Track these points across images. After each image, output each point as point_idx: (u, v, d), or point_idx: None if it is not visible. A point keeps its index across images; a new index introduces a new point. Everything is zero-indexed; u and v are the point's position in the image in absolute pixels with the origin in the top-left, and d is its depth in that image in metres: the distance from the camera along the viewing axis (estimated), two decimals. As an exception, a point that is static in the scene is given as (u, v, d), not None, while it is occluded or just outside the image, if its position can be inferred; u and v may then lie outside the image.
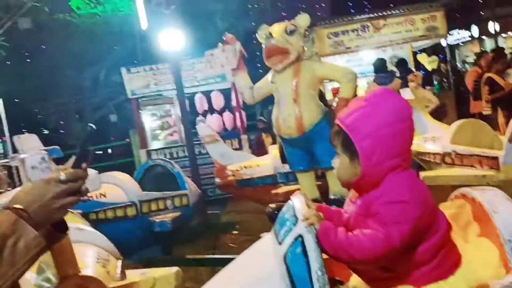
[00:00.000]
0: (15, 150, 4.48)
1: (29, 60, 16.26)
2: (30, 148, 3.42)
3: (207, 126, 6.13)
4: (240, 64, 3.88)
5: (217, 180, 5.34)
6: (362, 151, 1.51)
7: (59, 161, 3.62)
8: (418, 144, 4.84)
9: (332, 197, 3.66)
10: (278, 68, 3.52)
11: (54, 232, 1.23)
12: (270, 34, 3.48)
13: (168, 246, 4.22)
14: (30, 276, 1.91)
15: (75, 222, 2.64)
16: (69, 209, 1.22)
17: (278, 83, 3.56)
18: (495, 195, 1.62)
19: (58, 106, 17.29)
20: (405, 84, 6.30)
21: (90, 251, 2.22)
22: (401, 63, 8.03)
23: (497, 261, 1.50)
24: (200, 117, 7.98)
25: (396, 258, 1.46)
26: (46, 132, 20.61)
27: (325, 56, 10.11)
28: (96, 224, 3.64)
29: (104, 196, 3.97)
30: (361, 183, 1.54)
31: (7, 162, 5.90)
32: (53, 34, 15.15)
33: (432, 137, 4.82)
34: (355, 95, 3.53)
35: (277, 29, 3.51)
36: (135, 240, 3.95)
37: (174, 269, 2.36)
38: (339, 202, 3.20)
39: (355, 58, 10.32)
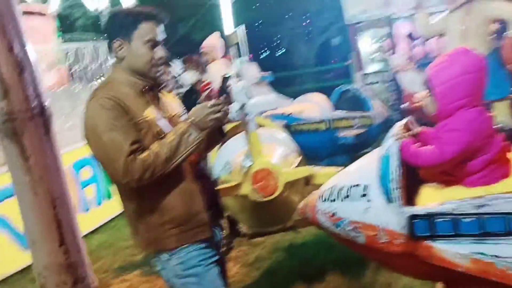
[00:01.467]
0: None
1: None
2: (249, 74, 4.72)
3: (400, 56, 6.63)
4: (419, 3, 4.36)
5: (404, 105, 5.94)
6: (436, 94, 2.20)
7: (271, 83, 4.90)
8: None
9: (497, 126, 4.05)
10: (451, 8, 3.94)
11: (217, 134, 2.21)
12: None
13: (351, 156, 5.16)
14: (243, 159, 3.13)
15: (274, 129, 3.82)
16: (219, 122, 2.06)
17: (450, 21, 3.99)
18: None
19: (290, 29, 18.90)
20: None
21: (279, 148, 3.37)
22: None
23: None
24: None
25: (453, 167, 2.17)
26: (281, 52, 22.95)
27: None
28: (295, 134, 4.84)
29: (303, 112, 5.12)
30: (437, 116, 2.24)
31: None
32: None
33: None
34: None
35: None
36: (325, 149, 5.04)
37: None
38: (503, 130, 3.64)
39: None
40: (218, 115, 2.03)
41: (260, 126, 3.82)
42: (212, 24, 15.70)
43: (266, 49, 27.01)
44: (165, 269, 2.15)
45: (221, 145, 3.73)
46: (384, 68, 9.01)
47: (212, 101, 2.05)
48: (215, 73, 5.36)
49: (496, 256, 1.96)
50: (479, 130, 2.13)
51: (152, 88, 2.13)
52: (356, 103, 5.39)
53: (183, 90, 4.48)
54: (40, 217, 1.11)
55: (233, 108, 2.79)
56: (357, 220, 2.30)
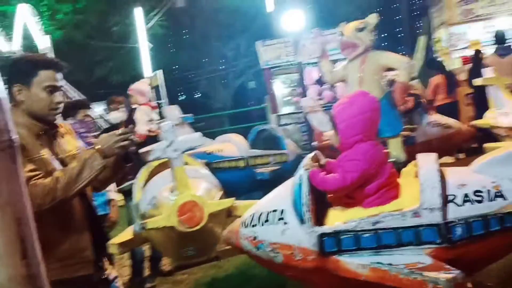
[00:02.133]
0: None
1: (184, 35, 18.53)
2: (172, 115, 4.99)
3: (309, 99, 7.24)
4: (324, 53, 4.93)
5: (314, 143, 6.49)
6: (339, 130, 2.61)
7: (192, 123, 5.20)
8: (493, 117, 5.41)
9: (392, 159, 4.62)
10: (349, 58, 4.53)
11: (120, 161, 2.33)
12: (341, 32, 4.49)
13: (267, 191, 5.51)
14: (169, 194, 3.34)
15: (197, 166, 4.07)
16: (124, 149, 2.20)
17: (349, 69, 4.57)
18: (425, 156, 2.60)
19: (207, 73, 19.46)
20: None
21: (201, 183, 3.61)
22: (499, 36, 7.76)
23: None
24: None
25: (353, 191, 2.57)
26: (198, 95, 23.36)
27: (454, 25, 10.22)
28: (216, 171, 5.12)
29: (222, 151, 5.45)
30: (340, 148, 2.64)
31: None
32: (203, 9, 17.16)
33: (505, 112, 5.34)
34: (410, 79, 4.40)
35: (348, 27, 4.49)
36: (244, 184, 5.36)
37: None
38: (396, 163, 4.16)
39: (488, 25, 10.11)
40: (125, 143, 2.21)
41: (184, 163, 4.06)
42: (130, 67, 15.85)
43: (182, 93, 27.39)
44: None
45: (147, 181, 3.91)
46: (296, 110, 9.64)
47: (120, 130, 2.24)
48: (139, 118, 5.58)
49: (390, 264, 2.33)
50: (374, 159, 2.55)
51: (47, 131, 2.27)
52: (271, 141, 5.82)
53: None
54: (6, 234, 1.27)
55: (161, 145, 3.02)
56: (275, 242, 2.60)
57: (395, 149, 4.51)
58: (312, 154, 2.84)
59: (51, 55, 11.16)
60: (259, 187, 5.42)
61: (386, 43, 24.80)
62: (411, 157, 5.37)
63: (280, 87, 11.35)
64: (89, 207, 2.37)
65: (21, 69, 2.20)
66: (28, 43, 12.68)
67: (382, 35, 24.20)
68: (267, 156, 5.50)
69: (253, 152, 5.56)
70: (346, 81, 4.62)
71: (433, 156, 2.61)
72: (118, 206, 4.38)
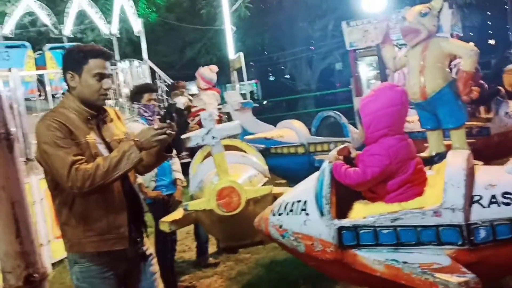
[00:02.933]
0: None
1: (271, 16, 18.56)
2: (233, 100, 5.13)
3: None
4: (386, 38, 4.74)
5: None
6: (363, 124, 2.57)
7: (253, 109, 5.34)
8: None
9: (452, 152, 4.38)
10: (411, 44, 4.32)
11: (161, 153, 2.52)
12: (404, 17, 4.28)
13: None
14: (213, 178, 3.50)
15: (249, 152, 4.18)
16: (161, 143, 2.37)
17: (410, 56, 4.36)
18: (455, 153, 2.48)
19: (292, 55, 19.43)
20: None
21: (246, 169, 3.73)
22: None
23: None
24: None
25: (376, 186, 2.53)
26: (286, 76, 23.47)
27: None
28: (275, 156, 5.21)
29: (282, 137, 5.50)
30: (365, 142, 2.61)
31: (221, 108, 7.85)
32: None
33: None
34: (476, 69, 4.12)
35: (411, 12, 4.28)
36: (303, 171, 5.37)
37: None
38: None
39: None
40: (162, 137, 2.35)
41: (238, 149, 4.20)
42: (217, 48, 16.32)
43: (270, 74, 27.60)
44: (70, 270, 2.50)
45: (201, 163, 4.12)
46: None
47: (158, 125, 2.40)
48: (208, 101, 5.84)
49: (404, 262, 2.29)
50: (397, 155, 2.49)
51: (96, 116, 2.47)
52: (335, 128, 5.75)
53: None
54: (2, 215, 1.48)
55: (200, 132, 3.17)
56: (298, 231, 2.65)
57: (458, 141, 4.26)
58: (341, 146, 2.83)
59: (142, 37, 11.91)
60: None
61: (490, 22, 22.96)
62: (486, 149, 5.08)
63: (364, 70, 11.07)
64: (130, 188, 2.57)
65: (74, 57, 2.41)
66: (126, 26, 13.60)
67: (487, 13, 22.39)
68: (328, 143, 5.46)
69: (313, 138, 5.55)
70: (408, 68, 4.42)
71: (464, 153, 2.49)
72: (183, 186, 4.66)
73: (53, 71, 9.68)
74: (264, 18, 17.62)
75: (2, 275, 1.53)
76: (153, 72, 11.34)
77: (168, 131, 2.37)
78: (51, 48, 11.85)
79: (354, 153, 2.82)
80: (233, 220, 3.42)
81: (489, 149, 5.09)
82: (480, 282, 2.09)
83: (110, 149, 2.47)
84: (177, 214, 3.75)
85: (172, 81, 9.15)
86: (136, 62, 11.69)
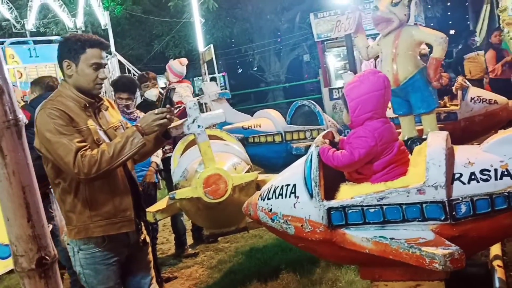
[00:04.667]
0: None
1: (238, 8, 18.56)
2: (211, 91, 5.18)
3: (350, 74, 7.16)
4: (359, 28, 4.89)
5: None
6: (350, 108, 2.67)
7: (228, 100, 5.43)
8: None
9: (424, 136, 4.56)
10: (383, 33, 4.47)
11: (160, 138, 2.64)
12: (376, 6, 4.43)
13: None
14: (197, 167, 3.55)
15: (229, 141, 4.25)
16: (162, 127, 2.51)
17: (382, 45, 4.52)
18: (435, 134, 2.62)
19: (261, 47, 19.55)
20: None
21: (230, 157, 3.79)
22: None
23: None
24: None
25: (362, 167, 2.64)
26: (254, 68, 23.55)
27: None
28: (253, 145, 5.30)
29: (260, 126, 5.60)
30: (351, 125, 2.72)
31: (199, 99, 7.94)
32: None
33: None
34: (444, 55, 4.30)
35: (383, 1, 4.42)
36: (280, 159, 5.49)
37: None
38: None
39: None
40: (162, 121, 2.47)
41: (218, 138, 4.25)
42: (185, 41, 16.22)
43: (239, 66, 27.65)
44: (73, 257, 2.56)
45: (182, 153, 4.15)
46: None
47: (158, 110, 2.49)
48: (184, 93, 5.88)
49: (392, 238, 2.41)
50: (382, 137, 2.61)
51: (93, 104, 2.53)
52: (310, 117, 5.88)
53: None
54: (13, 200, 1.49)
55: (186, 121, 3.21)
56: (288, 214, 2.74)
57: (429, 125, 4.46)
58: (326, 131, 2.93)
59: (110, 31, 11.72)
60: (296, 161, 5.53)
61: (450, 13, 23.67)
62: (454, 134, 5.31)
63: (333, 61, 11.26)
64: (129, 174, 2.64)
65: (71, 46, 2.44)
66: (91, 20, 13.32)
67: (448, 4, 23.07)
68: (304, 132, 5.59)
69: (290, 127, 5.67)
70: (380, 56, 4.58)
71: (443, 134, 2.62)
72: (155, 168, 4.69)
73: (12, 66, 9.37)
74: (232, 10, 17.62)
75: (14, 258, 1.56)
76: (122, 66, 11.19)
77: (168, 116, 2.48)
78: (12, 43, 11.51)
79: (337, 138, 2.93)
80: (219, 208, 3.48)
81: (456, 133, 5.33)
82: (464, 253, 2.22)
83: (107, 136, 2.53)
84: (162, 203, 3.79)
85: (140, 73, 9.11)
86: (103, 56, 11.48)
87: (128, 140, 2.38)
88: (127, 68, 10.98)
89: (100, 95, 2.60)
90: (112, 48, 10.54)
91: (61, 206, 2.52)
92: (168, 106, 2.51)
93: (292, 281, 4.28)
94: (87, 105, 2.49)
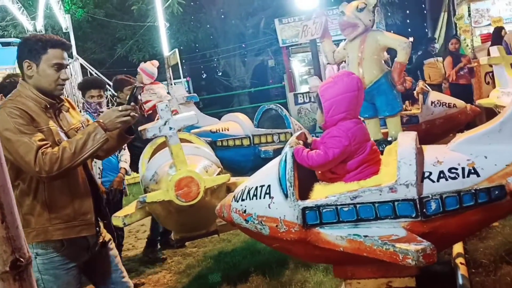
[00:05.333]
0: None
1: (203, 13, 18.49)
2: (179, 94, 5.16)
3: (316, 78, 7.32)
4: (326, 33, 4.99)
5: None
6: (324, 108, 2.73)
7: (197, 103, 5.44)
8: (496, 96, 5.42)
9: (389, 138, 4.70)
10: (349, 38, 4.58)
11: (123, 134, 2.61)
12: (343, 12, 4.54)
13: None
14: (168, 169, 3.52)
15: (199, 144, 4.23)
16: (125, 124, 2.47)
17: (349, 49, 4.63)
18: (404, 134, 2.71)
19: (226, 52, 19.54)
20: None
21: (200, 160, 3.78)
22: None
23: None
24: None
25: (336, 167, 2.70)
26: (219, 73, 23.53)
27: (477, 1, 10.04)
28: (221, 149, 5.30)
29: (227, 130, 5.62)
30: (324, 126, 2.77)
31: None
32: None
33: (508, 91, 5.35)
34: (408, 59, 4.45)
35: (349, 7, 4.54)
36: (249, 162, 5.51)
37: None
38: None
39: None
40: (126, 118, 2.45)
41: (187, 141, 4.23)
42: (150, 45, 16.05)
43: (203, 71, 27.56)
44: (33, 261, 2.46)
45: (151, 157, 4.10)
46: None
47: (122, 106, 2.48)
48: (163, 94, 5.89)
49: (365, 236, 2.47)
50: (355, 137, 2.67)
51: (54, 105, 2.49)
52: (277, 120, 5.95)
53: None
54: (-13, 200, 1.45)
55: (157, 123, 3.18)
56: (262, 215, 2.76)
57: (394, 128, 4.59)
58: (299, 132, 2.97)
59: (71, 34, 11.49)
60: (264, 164, 5.56)
61: (409, 20, 24.40)
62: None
63: (297, 66, 11.41)
64: (89, 176, 2.59)
65: (32, 46, 2.39)
66: (51, 23, 12.99)
67: (407, 12, 23.76)
68: (272, 135, 5.64)
69: (258, 130, 5.71)
70: (347, 61, 4.68)
71: (412, 134, 2.71)
72: (123, 174, 4.63)
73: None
74: (196, 15, 17.58)
75: (-13, 261, 1.50)
76: (84, 70, 10.96)
77: (132, 113, 2.45)
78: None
79: (310, 138, 2.97)
80: (190, 211, 3.46)
81: (418, 135, 5.49)
82: (435, 249, 2.30)
83: (68, 137, 2.47)
84: (130, 208, 3.73)
85: (104, 77, 8.95)
86: (65, 60, 11.23)
87: (90, 136, 2.34)
88: (89, 71, 10.77)
89: (61, 96, 2.56)
90: (74, 52, 10.33)
91: (18, 209, 2.40)
92: (132, 104, 2.50)
93: (262, 284, 4.28)
94: (48, 106, 2.45)
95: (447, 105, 5.76)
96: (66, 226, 2.41)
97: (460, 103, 5.89)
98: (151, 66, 5.65)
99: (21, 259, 1.50)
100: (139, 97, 2.62)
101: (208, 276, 4.69)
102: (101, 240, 2.67)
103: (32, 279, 1.56)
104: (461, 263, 3.49)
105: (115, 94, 5.12)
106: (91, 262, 2.61)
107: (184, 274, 4.91)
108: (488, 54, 7.15)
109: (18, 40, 11.24)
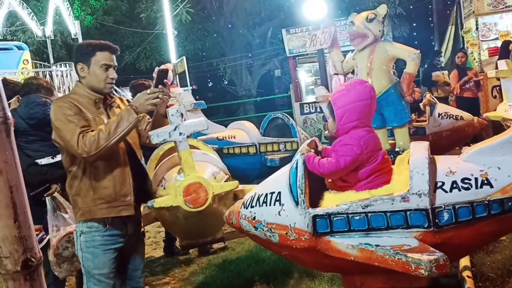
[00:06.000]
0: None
1: (211, 22, 18.55)
2: (186, 101, 5.17)
3: (322, 88, 7.30)
4: (335, 42, 5.00)
5: (326, 132, 6.59)
6: (336, 116, 2.72)
7: (203, 110, 5.47)
8: (504, 109, 5.42)
9: (397, 149, 4.69)
10: (359, 48, 4.59)
11: (161, 117, 2.93)
12: (352, 22, 4.55)
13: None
14: (176, 175, 3.51)
15: (206, 150, 4.23)
16: (154, 106, 2.74)
17: (358, 59, 4.64)
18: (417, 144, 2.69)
19: (232, 61, 19.59)
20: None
21: (208, 166, 3.77)
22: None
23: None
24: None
25: (347, 175, 2.68)
26: (225, 82, 23.60)
27: (484, 15, 10.08)
28: (227, 156, 5.30)
29: (234, 137, 5.62)
30: (336, 134, 2.76)
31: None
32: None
33: (516, 104, 5.34)
34: (417, 70, 4.45)
35: (359, 17, 4.55)
36: (255, 170, 5.51)
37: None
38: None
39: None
40: (155, 100, 2.69)
41: (195, 147, 4.22)
42: (157, 53, 16.10)
43: (209, 80, 27.64)
44: (76, 241, 2.77)
45: (157, 164, 4.09)
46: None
47: (150, 89, 2.71)
48: (185, 98, 6.00)
49: (377, 245, 2.45)
50: (367, 145, 2.66)
51: (104, 100, 2.79)
52: (283, 129, 5.95)
53: None
54: (0, 199, 1.44)
55: (167, 129, 3.17)
56: (272, 222, 2.74)
57: (402, 138, 4.58)
58: (310, 140, 2.96)
59: (80, 40, 11.52)
60: (270, 173, 5.55)
61: (416, 33, 24.46)
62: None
63: (304, 76, 11.41)
64: (137, 163, 2.85)
65: (83, 51, 2.73)
66: (60, 28, 13.05)
67: (414, 24, 23.83)
68: (278, 144, 5.64)
69: (264, 139, 5.71)
70: (356, 71, 4.69)
71: (424, 144, 2.70)
72: None
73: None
74: (204, 24, 17.65)
75: (-1, 260, 1.51)
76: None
77: (160, 95, 2.70)
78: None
79: (320, 146, 2.96)
80: (198, 217, 3.45)
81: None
82: (448, 259, 2.28)
83: None
84: (137, 213, 3.71)
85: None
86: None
87: (123, 118, 2.59)
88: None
89: (111, 94, 2.85)
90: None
91: (69, 192, 2.75)
92: (160, 86, 2.71)
93: (266, 293, 4.24)
94: (97, 100, 2.74)
95: (454, 117, 5.76)
96: (108, 206, 2.66)
97: (467, 115, 5.88)
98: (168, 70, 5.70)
99: (32, 259, 1.49)
100: (165, 80, 2.80)
101: (212, 285, 4.64)
102: (139, 230, 2.94)
103: (42, 280, 1.55)
104: (468, 276, 3.45)
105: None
106: (123, 252, 2.83)
107: (187, 281, 4.86)
108: (496, 67, 7.16)
109: (19, 44, 11.32)
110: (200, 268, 5.13)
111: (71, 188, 2.71)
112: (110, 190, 2.67)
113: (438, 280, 3.64)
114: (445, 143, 5.70)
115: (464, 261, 3.72)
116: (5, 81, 4.02)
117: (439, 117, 5.74)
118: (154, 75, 5.76)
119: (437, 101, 6.01)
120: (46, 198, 3.52)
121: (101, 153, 2.55)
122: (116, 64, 2.82)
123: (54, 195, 3.55)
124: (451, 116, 5.75)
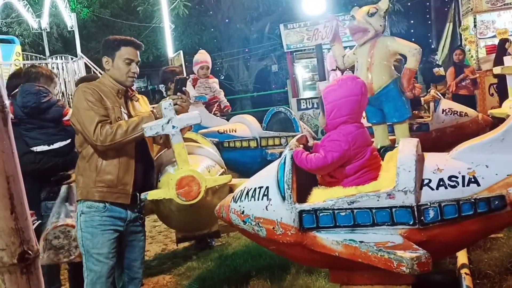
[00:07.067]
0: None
1: (208, 16, 18.49)
2: (187, 95, 5.19)
3: (326, 82, 7.26)
4: (336, 37, 4.96)
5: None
6: (326, 111, 2.71)
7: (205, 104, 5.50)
8: (509, 106, 5.34)
9: (396, 145, 4.64)
10: (359, 43, 4.55)
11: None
12: (353, 16, 4.50)
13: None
14: (170, 168, 3.53)
15: (204, 144, 4.24)
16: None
17: (358, 54, 4.59)
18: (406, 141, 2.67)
19: (230, 55, 19.42)
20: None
21: (204, 160, 3.78)
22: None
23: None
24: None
25: (335, 171, 2.67)
26: (222, 77, 23.57)
27: (482, 13, 10.02)
28: (228, 150, 5.31)
29: (235, 131, 5.63)
30: (326, 128, 2.75)
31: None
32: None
33: (520, 102, 5.26)
34: (418, 66, 4.40)
35: (360, 12, 4.50)
36: (255, 164, 5.49)
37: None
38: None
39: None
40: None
41: (193, 141, 4.23)
42: (154, 47, 16.10)
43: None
44: (77, 221, 2.91)
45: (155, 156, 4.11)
46: (316, 95, 9.72)
47: (170, 97, 2.93)
48: (217, 88, 6.53)
49: (361, 241, 2.44)
50: (355, 141, 2.65)
51: (125, 92, 2.98)
52: (285, 123, 5.93)
53: None
54: (-4, 190, 1.44)
55: (160, 121, 3.19)
56: (260, 216, 2.75)
57: (402, 134, 4.53)
58: (300, 135, 2.96)
59: (76, 33, 11.57)
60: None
61: (414, 30, 24.16)
62: (425, 144, 5.43)
63: (301, 72, 11.36)
64: (147, 157, 3.06)
65: (109, 45, 2.92)
66: (56, 21, 13.07)
67: (412, 21, 23.56)
68: (279, 138, 5.63)
69: (265, 133, 5.71)
70: (356, 66, 4.64)
71: (413, 141, 2.68)
72: None
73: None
74: (202, 18, 17.59)
75: (-5, 252, 1.51)
76: (88, 69, 11.04)
77: (179, 102, 2.93)
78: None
79: (311, 142, 2.96)
80: (191, 210, 3.46)
81: (428, 143, 5.44)
82: (430, 257, 2.27)
83: None
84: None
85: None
86: (70, 58, 11.34)
87: (143, 120, 2.83)
88: (93, 70, 10.84)
89: (132, 88, 3.05)
90: (78, 51, 10.38)
91: (76, 171, 2.96)
92: (178, 94, 2.94)
93: (263, 288, 4.25)
94: (119, 91, 2.92)
95: (458, 113, 5.69)
96: (107, 190, 2.81)
97: (471, 112, 5.81)
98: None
99: (29, 252, 1.47)
100: (184, 88, 3.02)
101: (208, 279, 4.66)
102: (139, 219, 3.06)
103: (39, 273, 1.53)
104: (465, 274, 3.44)
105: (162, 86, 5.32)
106: (123, 239, 2.96)
107: (183, 276, 4.87)
108: (494, 65, 7.07)
109: (11, 38, 11.32)
110: (196, 263, 5.15)
111: (78, 167, 2.90)
112: (112, 176, 2.82)
113: (435, 278, 3.63)
114: (449, 139, 5.63)
115: (462, 259, 3.70)
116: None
117: (443, 113, 5.67)
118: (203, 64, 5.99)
119: (441, 96, 5.94)
120: (62, 185, 3.59)
121: (113, 146, 2.74)
122: (139, 59, 2.97)
123: (71, 184, 3.61)
124: (455, 112, 5.68)
